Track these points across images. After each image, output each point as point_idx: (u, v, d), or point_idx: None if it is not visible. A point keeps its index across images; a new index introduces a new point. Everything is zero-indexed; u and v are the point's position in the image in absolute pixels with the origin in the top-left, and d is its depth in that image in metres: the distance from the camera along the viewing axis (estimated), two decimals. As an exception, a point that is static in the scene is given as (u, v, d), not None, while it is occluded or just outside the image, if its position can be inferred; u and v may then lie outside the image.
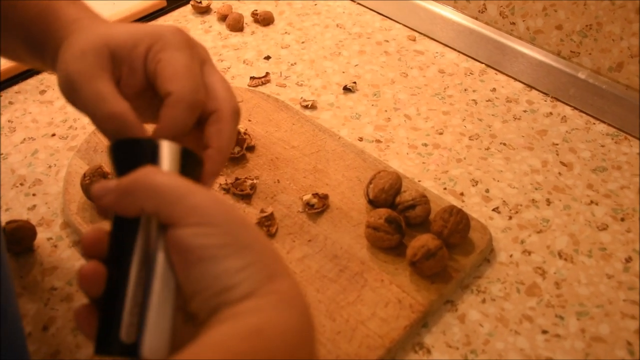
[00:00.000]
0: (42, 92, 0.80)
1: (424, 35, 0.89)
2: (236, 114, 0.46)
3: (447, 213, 0.58)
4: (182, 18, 0.91)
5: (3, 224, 0.60)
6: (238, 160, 0.67)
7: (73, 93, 0.43)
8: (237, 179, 0.65)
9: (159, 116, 0.43)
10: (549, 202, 0.66)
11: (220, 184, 0.64)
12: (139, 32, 0.44)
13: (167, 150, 0.40)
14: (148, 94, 0.44)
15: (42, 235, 0.62)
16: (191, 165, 0.41)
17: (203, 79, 0.45)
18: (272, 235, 0.60)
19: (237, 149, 0.67)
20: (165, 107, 0.43)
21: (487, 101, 0.78)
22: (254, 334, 0.33)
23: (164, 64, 0.43)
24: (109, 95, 0.43)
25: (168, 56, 0.43)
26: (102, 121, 0.42)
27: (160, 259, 0.35)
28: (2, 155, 0.71)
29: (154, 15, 0.91)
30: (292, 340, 0.34)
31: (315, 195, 0.62)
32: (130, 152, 0.40)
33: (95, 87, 0.42)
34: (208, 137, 0.45)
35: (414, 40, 0.88)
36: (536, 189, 0.67)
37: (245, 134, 0.68)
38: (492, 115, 0.76)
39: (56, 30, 0.47)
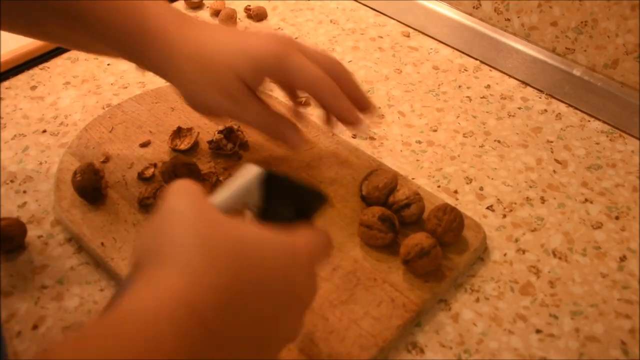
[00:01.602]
0: (33, 87, 0.79)
1: (418, 31, 0.88)
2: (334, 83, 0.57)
3: (441, 211, 0.57)
4: (174, 13, 0.90)
5: (-8, 221, 0.60)
6: (231, 157, 0.67)
7: (226, 106, 0.56)
8: (230, 175, 0.64)
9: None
10: (543, 200, 0.65)
11: (217, 180, 0.64)
12: (256, 61, 0.55)
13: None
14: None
15: (32, 232, 0.62)
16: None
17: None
18: (264, 234, 0.59)
19: (229, 145, 0.66)
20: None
21: (481, 98, 0.78)
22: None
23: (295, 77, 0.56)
24: (263, 106, 0.57)
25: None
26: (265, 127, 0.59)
27: None
28: (-8, 152, 0.70)
29: (146, 10, 0.90)
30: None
31: (308, 193, 0.62)
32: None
33: (249, 102, 0.56)
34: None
35: (408, 36, 0.87)
36: (530, 187, 0.67)
37: (238, 130, 0.68)
38: (487, 112, 0.76)
39: (152, 37, 0.55)
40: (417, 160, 0.69)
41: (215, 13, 0.90)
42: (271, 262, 0.38)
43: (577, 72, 0.77)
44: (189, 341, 0.33)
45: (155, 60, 0.56)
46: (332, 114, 0.60)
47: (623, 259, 0.60)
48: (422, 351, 0.53)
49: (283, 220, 0.42)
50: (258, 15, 0.90)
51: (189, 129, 0.68)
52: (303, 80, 0.56)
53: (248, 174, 0.42)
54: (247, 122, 0.58)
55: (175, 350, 0.32)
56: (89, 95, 0.78)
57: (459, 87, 0.79)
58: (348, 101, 0.58)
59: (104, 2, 0.54)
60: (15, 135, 0.72)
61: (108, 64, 0.83)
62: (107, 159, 0.66)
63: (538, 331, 0.54)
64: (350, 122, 0.59)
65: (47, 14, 0.55)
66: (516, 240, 0.61)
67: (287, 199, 0.42)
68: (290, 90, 0.64)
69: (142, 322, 0.33)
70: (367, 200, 0.61)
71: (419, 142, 0.72)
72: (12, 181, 0.67)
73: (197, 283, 0.35)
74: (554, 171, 0.68)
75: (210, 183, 0.63)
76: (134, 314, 0.33)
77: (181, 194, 0.39)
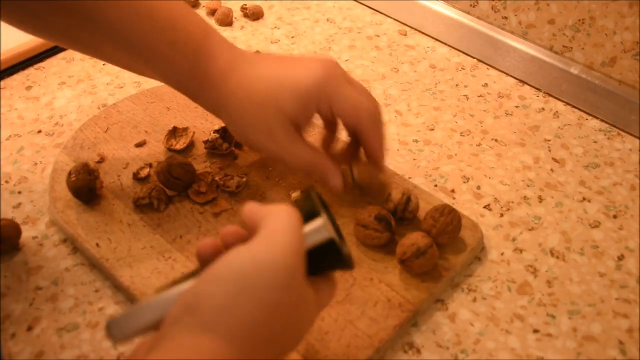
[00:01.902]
0: (28, 87, 0.79)
1: (415, 29, 0.88)
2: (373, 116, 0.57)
3: (438, 212, 0.57)
4: (170, 12, 0.90)
5: (-14, 222, 0.60)
6: (227, 156, 0.67)
7: (267, 145, 0.56)
8: (225, 175, 0.64)
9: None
10: (540, 199, 0.65)
11: (213, 180, 0.63)
12: (302, 96, 0.55)
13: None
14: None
15: (27, 233, 0.61)
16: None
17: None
18: (260, 234, 0.59)
19: (225, 145, 0.66)
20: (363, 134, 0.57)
21: (478, 96, 0.77)
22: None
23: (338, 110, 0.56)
24: (305, 149, 0.57)
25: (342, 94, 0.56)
26: (302, 167, 0.58)
27: None
28: (-14, 152, 0.70)
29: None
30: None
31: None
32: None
33: (292, 144, 0.56)
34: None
35: (405, 34, 0.87)
36: (528, 185, 0.66)
37: (233, 130, 0.67)
38: (484, 110, 0.75)
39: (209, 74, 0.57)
40: (414, 159, 0.69)
41: (212, 12, 0.90)
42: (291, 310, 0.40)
43: (574, 70, 0.76)
44: None
45: (207, 100, 0.59)
46: (363, 143, 0.59)
47: (621, 258, 0.60)
48: (418, 351, 0.53)
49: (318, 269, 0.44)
50: (254, 15, 0.89)
51: (185, 129, 0.68)
52: (344, 104, 0.55)
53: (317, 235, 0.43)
54: (290, 164, 0.58)
55: None
56: (85, 95, 0.78)
57: (456, 85, 0.79)
58: (383, 135, 0.58)
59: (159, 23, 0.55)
60: (10, 136, 0.72)
61: (103, 64, 0.82)
62: (102, 159, 0.66)
63: (535, 331, 0.54)
64: (377, 157, 0.59)
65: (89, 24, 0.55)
66: (513, 240, 0.61)
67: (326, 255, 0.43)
68: (331, 121, 0.61)
69: None
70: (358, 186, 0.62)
71: (416, 141, 0.71)
72: (6, 182, 0.67)
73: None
74: (552, 170, 0.68)
75: (206, 182, 0.63)
76: None
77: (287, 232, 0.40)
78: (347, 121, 0.57)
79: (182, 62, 0.56)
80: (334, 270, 0.46)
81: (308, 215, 0.43)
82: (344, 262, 0.44)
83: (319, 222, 0.42)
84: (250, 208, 0.42)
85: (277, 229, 0.40)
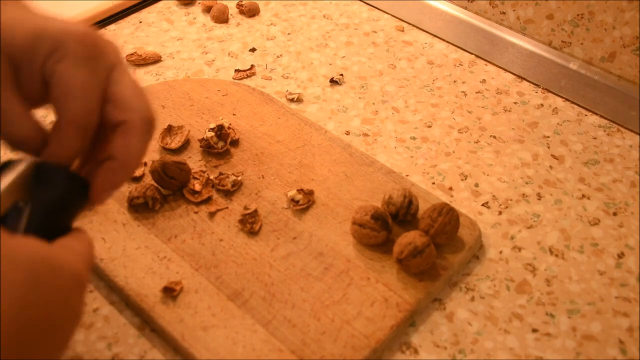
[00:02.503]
0: (22, 86, 0.78)
1: (413, 25, 0.87)
2: (148, 125, 0.43)
3: (437, 212, 0.56)
4: (166, 10, 0.89)
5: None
6: (222, 155, 0.66)
7: None
8: (221, 173, 0.63)
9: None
10: (539, 196, 0.64)
11: (208, 179, 0.63)
12: (40, 35, 0.40)
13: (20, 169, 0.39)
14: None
15: (20, 234, 0.61)
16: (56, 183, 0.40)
17: (110, 87, 0.42)
18: (255, 233, 0.58)
19: (220, 143, 0.65)
20: (53, 130, 0.41)
21: (476, 93, 0.77)
22: None
23: (57, 79, 0.40)
24: (17, 116, 0.41)
25: (63, 70, 0.40)
26: (7, 140, 0.42)
27: None
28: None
29: (137, 7, 0.89)
30: None
31: (300, 191, 0.61)
32: None
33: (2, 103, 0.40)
34: (112, 148, 0.42)
35: (402, 30, 0.86)
36: (527, 183, 0.66)
37: (229, 128, 0.67)
38: (482, 107, 0.75)
39: None
40: (412, 156, 0.68)
41: (207, 9, 0.89)
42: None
43: (573, 65, 0.76)
44: None
45: None
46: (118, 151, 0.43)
47: (621, 255, 0.59)
48: (416, 351, 0.52)
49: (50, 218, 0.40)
50: (250, 11, 0.89)
51: (180, 127, 0.67)
52: (125, 90, 0.43)
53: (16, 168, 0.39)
54: None
55: None
56: (79, 93, 0.77)
57: (454, 82, 0.78)
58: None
59: None
60: (3, 135, 0.71)
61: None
62: (96, 158, 0.65)
63: (534, 330, 0.53)
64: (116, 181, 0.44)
65: None
66: (512, 238, 0.60)
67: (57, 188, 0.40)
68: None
69: None
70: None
71: (414, 138, 0.71)
72: (0, 181, 0.66)
73: None
74: (551, 167, 0.67)
75: (201, 182, 0.62)
76: None
77: None
78: (114, 114, 0.43)
79: None
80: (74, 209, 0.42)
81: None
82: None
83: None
84: None
85: None
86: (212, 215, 0.60)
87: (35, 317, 0.34)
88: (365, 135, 0.71)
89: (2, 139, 0.41)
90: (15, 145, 0.42)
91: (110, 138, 0.43)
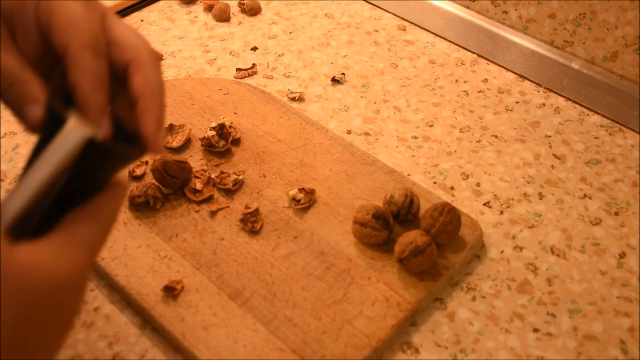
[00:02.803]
0: (24, 84, 0.78)
1: (414, 24, 0.87)
2: (155, 57, 0.42)
3: (438, 212, 0.56)
4: (167, 8, 0.89)
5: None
6: (223, 154, 0.66)
7: None
8: (222, 172, 0.63)
9: (66, 79, 0.38)
10: (541, 196, 0.64)
11: (209, 178, 0.62)
12: None
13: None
14: (51, 59, 0.41)
15: (21, 232, 0.61)
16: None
17: (108, 32, 0.41)
18: (256, 232, 0.58)
19: (222, 142, 0.65)
20: (69, 63, 0.38)
21: (478, 92, 0.77)
22: None
23: (58, 12, 0.39)
24: (22, 74, 0.38)
25: (61, 5, 0.39)
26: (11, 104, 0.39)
27: None
28: (-19, 150, 0.69)
29: (138, 5, 0.89)
30: None
31: (301, 190, 0.61)
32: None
33: None
34: (135, 87, 0.40)
35: (404, 29, 0.86)
36: (528, 182, 0.66)
37: (230, 127, 0.67)
38: (484, 106, 0.75)
39: None
40: (413, 156, 0.68)
41: (209, 8, 0.89)
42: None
43: (575, 65, 0.75)
44: None
45: None
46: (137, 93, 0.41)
47: (622, 255, 0.59)
48: (417, 351, 0.52)
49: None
50: (252, 10, 0.88)
51: (181, 126, 0.67)
52: (124, 32, 0.41)
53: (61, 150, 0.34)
54: None
55: None
56: (80, 92, 0.77)
57: (456, 81, 0.78)
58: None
59: None
60: (5, 133, 0.71)
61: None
62: (97, 157, 0.65)
63: (535, 330, 0.53)
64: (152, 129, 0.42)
65: None
66: (513, 237, 0.60)
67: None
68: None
69: None
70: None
71: (415, 137, 0.70)
72: (2, 180, 0.66)
73: None
74: (552, 166, 0.67)
75: (202, 180, 0.62)
76: None
77: None
78: (121, 55, 0.41)
79: None
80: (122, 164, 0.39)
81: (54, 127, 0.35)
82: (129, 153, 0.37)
83: (67, 126, 0.34)
84: None
85: None
86: (213, 214, 0.60)
87: (29, 331, 0.33)
88: (367, 134, 0.71)
89: (8, 105, 0.39)
90: (21, 110, 0.39)
91: (127, 85, 0.41)
